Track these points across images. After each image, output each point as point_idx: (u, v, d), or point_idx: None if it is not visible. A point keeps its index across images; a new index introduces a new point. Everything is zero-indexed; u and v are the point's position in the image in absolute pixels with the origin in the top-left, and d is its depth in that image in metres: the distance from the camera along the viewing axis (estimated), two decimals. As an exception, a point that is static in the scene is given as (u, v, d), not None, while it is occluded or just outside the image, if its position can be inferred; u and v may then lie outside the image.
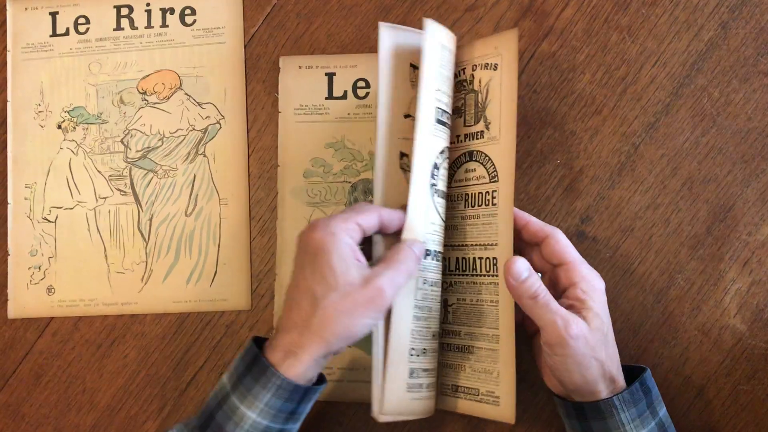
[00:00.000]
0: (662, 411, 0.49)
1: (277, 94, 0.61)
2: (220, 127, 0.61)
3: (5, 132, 0.63)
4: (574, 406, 0.48)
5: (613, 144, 0.58)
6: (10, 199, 0.63)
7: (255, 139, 0.61)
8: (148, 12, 0.62)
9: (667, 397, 0.55)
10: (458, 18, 0.60)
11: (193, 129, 0.61)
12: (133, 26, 0.63)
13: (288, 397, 0.45)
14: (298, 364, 0.45)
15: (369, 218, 0.47)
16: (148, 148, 0.62)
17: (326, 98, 0.60)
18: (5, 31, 0.64)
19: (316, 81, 0.60)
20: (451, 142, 0.57)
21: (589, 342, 0.45)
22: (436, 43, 0.51)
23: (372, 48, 0.61)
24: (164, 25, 0.62)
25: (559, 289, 0.50)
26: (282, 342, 0.46)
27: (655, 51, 0.58)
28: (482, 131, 0.55)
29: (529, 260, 0.48)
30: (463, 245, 0.55)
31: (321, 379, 0.49)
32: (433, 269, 0.51)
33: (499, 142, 0.54)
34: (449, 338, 0.56)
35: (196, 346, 0.60)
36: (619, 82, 0.58)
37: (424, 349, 0.50)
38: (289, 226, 0.60)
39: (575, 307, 0.48)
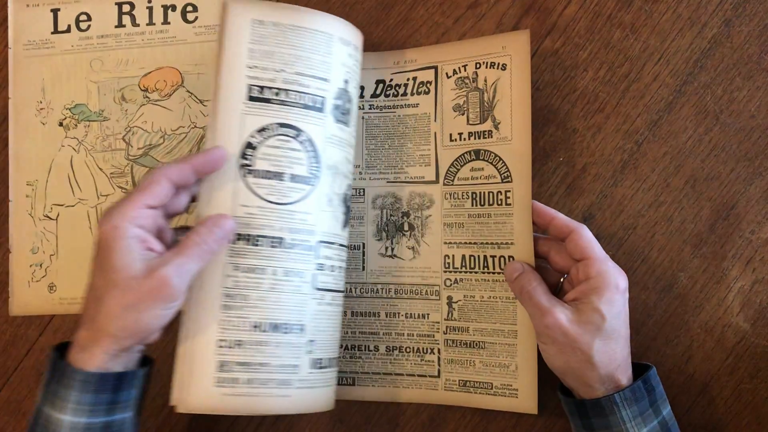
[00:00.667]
0: (666, 410, 0.49)
1: None
2: (222, 125, 0.61)
3: (6, 129, 0.63)
4: (575, 403, 0.49)
5: (615, 142, 0.57)
6: (11, 197, 0.62)
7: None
8: (150, 9, 0.62)
9: (670, 395, 0.55)
10: (461, 15, 0.60)
11: (195, 126, 0.61)
12: (134, 23, 0.62)
13: (97, 388, 0.44)
14: (94, 359, 0.44)
15: (157, 191, 0.45)
16: (149, 145, 0.61)
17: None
18: (6, 29, 0.63)
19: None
20: (453, 140, 0.57)
21: (568, 333, 0.47)
22: (244, 20, 0.49)
23: (374, 46, 0.60)
24: (166, 22, 0.62)
25: (575, 283, 0.50)
26: (77, 339, 0.45)
27: (658, 48, 0.58)
28: (490, 131, 0.55)
29: (554, 256, 0.51)
30: (470, 243, 0.56)
31: (146, 361, 0.48)
32: (248, 255, 0.48)
33: (512, 143, 0.54)
34: (454, 334, 0.56)
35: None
36: (622, 79, 0.58)
37: (239, 341, 0.47)
38: None
39: (578, 300, 0.49)
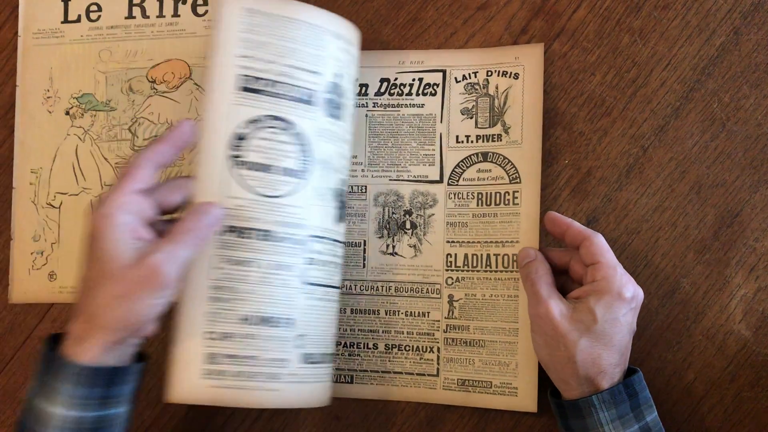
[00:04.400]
0: (650, 416, 0.49)
1: None
2: (229, 118, 0.61)
3: (13, 117, 0.63)
4: (556, 403, 0.50)
5: (621, 146, 0.57)
6: (15, 184, 0.62)
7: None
8: (160, 1, 0.62)
9: (669, 401, 0.55)
10: (470, 16, 0.60)
11: (201, 119, 0.61)
12: (144, 15, 0.63)
13: (91, 382, 0.44)
14: (88, 352, 0.44)
15: (141, 174, 0.45)
16: (155, 136, 0.62)
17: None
18: (17, 16, 0.64)
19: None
20: (459, 141, 0.57)
21: (556, 326, 0.48)
22: (235, 9, 0.49)
23: (383, 44, 0.61)
24: (176, 14, 0.62)
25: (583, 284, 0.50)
26: (71, 331, 0.45)
27: (666, 54, 0.58)
28: (500, 134, 0.56)
29: (574, 265, 0.51)
30: (473, 242, 0.56)
31: (142, 357, 0.48)
32: (237, 247, 0.47)
33: (522, 146, 0.55)
34: (454, 333, 0.55)
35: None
36: (630, 84, 0.58)
37: (227, 333, 0.47)
38: None
39: (578, 299, 0.49)
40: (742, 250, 0.56)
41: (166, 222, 0.49)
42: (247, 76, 0.49)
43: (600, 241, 0.50)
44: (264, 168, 0.48)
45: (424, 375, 0.56)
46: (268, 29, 0.49)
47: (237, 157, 0.48)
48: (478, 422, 0.57)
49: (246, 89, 0.49)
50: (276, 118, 0.49)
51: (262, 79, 0.49)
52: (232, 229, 0.48)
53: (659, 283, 0.56)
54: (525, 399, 0.53)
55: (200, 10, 0.62)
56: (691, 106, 0.57)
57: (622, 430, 0.47)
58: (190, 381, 0.46)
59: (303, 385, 0.49)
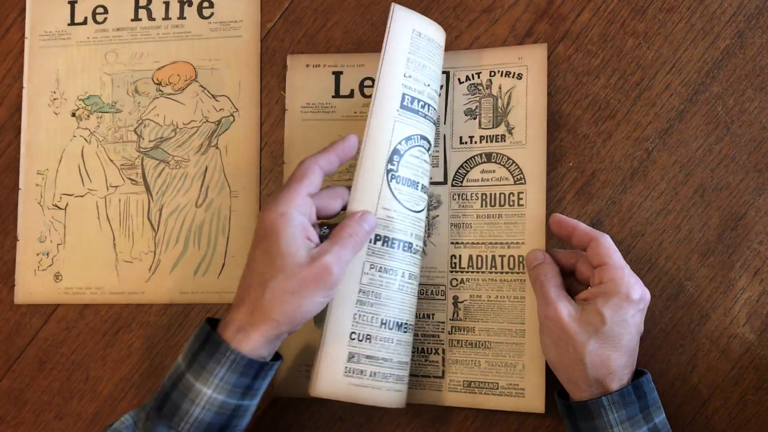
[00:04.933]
0: (659, 418, 0.49)
1: (284, 92, 0.61)
2: (234, 120, 0.61)
3: (20, 118, 0.63)
4: (565, 405, 0.50)
5: (626, 149, 0.58)
6: (21, 185, 0.63)
7: (268, 133, 0.61)
8: (167, 4, 0.63)
9: (673, 404, 0.55)
10: (474, 19, 0.60)
11: (207, 121, 0.61)
12: (150, 17, 0.63)
13: (243, 371, 0.46)
14: (250, 341, 0.46)
15: (313, 179, 0.49)
16: (161, 138, 0.62)
17: (333, 96, 0.60)
18: (23, 19, 0.64)
19: (323, 79, 0.60)
20: (463, 142, 0.57)
21: (565, 328, 0.48)
22: (406, 28, 0.51)
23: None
24: (182, 17, 0.63)
25: (590, 286, 0.51)
26: (234, 319, 0.47)
27: (670, 57, 0.58)
28: (503, 135, 0.56)
29: (581, 266, 0.51)
30: (478, 243, 0.56)
31: (277, 356, 0.49)
32: (383, 255, 0.50)
33: (526, 147, 0.56)
34: (459, 334, 0.56)
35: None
36: (634, 87, 0.58)
37: (368, 335, 0.50)
38: None
39: (586, 300, 0.49)
40: (747, 253, 0.56)
41: (320, 226, 0.52)
42: (408, 95, 0.51)
43: (607, 242, 0.50)
44: (412, 184, 0.52)
45: (429, 377, 0.56)
46: (426, 53, 0.53)
47: (392, 171, 0.50)
48: (482, 424, 0.57)
49: (405, 107, 0.51)
50: (424, 138, 0.52)
51: (418, 99, 0.52)
52: (381, 239, 0.50)
53: (663, 285, 0.56)
54: (532, 400, 0.54)
55: (206, 12, 0.62)
56: (696, 109, 0.57)
57: (632, 431, 0.47)
58: (334, 377, 0.49)
59: (411, 388, 0.54)
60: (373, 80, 0.59)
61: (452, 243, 0.57)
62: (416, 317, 0.57)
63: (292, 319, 0.46)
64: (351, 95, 0.60)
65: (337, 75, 0.60)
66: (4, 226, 0.63)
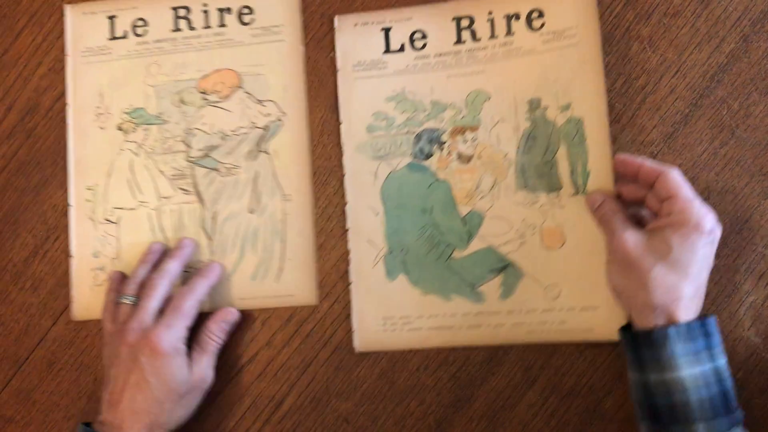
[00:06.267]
0: (721, 361, 0.48)
1: (333, 53, 0.61)
2: (282, 124, 0.61)
3: (66, 135, 0.63)
4: (630, 335, 0.49)
5: (631, 153, 0.57)
6: (72, 202, 0.63)
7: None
8: (206, 12, 0.63)
9: None
10: (515, 10, 0.60)
11: (255, 127, 0.62)
12: (191, 27, 0.63)
13: None
14: None
15: (193, 313, 0.57)
16: (210, 146, 0.62)
17: (384, 53, 0.61)
18: (64, 37, 0.64)
19: (373, 37, 0.61)
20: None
21: (630, 254, 0.49)
22: None
23: None
24: (222, 24, 0.63)
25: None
26: (104, 420, 0.54)
27: (675, 62, 0.58)
28: None
29: (646, 200, 0.52)
30: None
31: None
32: None
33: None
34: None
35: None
36: (639, 91, 0.58)
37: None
38: (357, 182, 0.60)
39: (654, 230, 0.49)
40: (751, 257, 0.56)
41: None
42: None
43: (675, 176, 0.50)
44: None
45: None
46: None
47: None
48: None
49: None
50: None
51: None
52: None
53: None
54: (604, 328, 0.55)
55: (246, 18, 0.63)
56: (701, 113, 0.57)
57: (696, 366, 0.47)
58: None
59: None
60: (423, 33, 0.60)
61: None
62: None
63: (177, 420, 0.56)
64: (402, 49, 0.60)
65: (386, 31, 0.61)
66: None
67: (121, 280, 0.60)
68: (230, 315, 0.59)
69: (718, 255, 0.55)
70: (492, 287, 0.58)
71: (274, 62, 0.62)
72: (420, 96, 0.60)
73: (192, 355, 0.56)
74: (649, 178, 0.51)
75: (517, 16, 0.59)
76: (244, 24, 0.63)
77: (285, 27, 0.62)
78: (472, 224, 0.58)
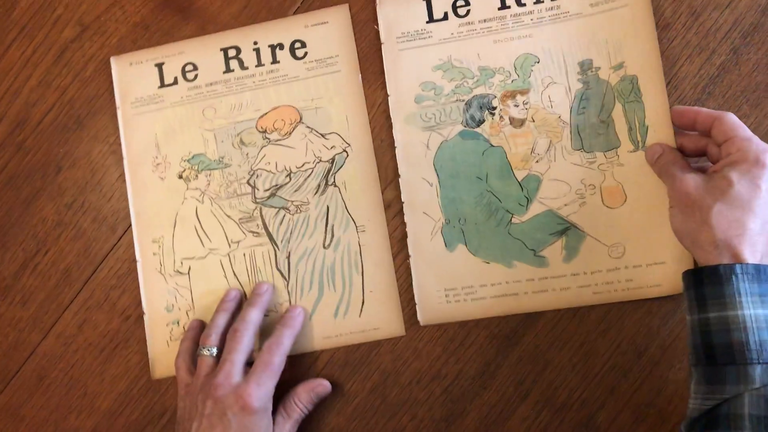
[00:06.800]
0: None
1: (377, 26, 0.60)
2: (347, 155, 0.60)
3: (126, 189, 0.62)
4: (693, 271, 0.48)
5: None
6: (138, 257, 0.61)
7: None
8: (257, 51, 0.62)
9: (671, 421, 0.55)
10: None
11: (320, 161, 0.61)
12: (243, 66, 0.62)
13: None
14: None
15: (281, 366, 0.55)
16: (276, 185, 0.61)
17: (427, 22, 0.60)
18: (113, 90, 0.63)
19: (415, 6, 0.60)
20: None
21: (690, 194, 0.49)
22: None
23: None
24: (275, 61, 0.62)
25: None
26: None
27: (666, 74, 0.57)
28: None
29: (708, 149, 0.52)
30: None
31: None
32: None
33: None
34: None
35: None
36: None
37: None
38: (409, 154, 0.59)
39: (716, 171, 0.49)
40: None
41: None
42: None
43: (731, 119, 0.50)
44: None
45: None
46: None
47: None
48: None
49: None
50: None
51: None
52: None
53: (660, 302, 0.56)
54: (673, 282, 0.55)
55: (299, 53, 0.62)
56: None
57: (761, 307, 0.45)
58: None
59: None
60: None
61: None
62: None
63: None
64: (445, 18, 0.60)
65: (429, 0, 0.60)
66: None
67: (199, 328, 0.58)
68: (322, 388, 0.57)
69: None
70: (554, 251, 0.57)
71: (333, 94, 0.61)
72: (467, 63, 0.59)
73: (276, 419, 0.55)
74: (707, 124, 0.51)
75: None
76: (298, 58, 0.62)
77: (340, 57, 0.61)
78: (530, 188, 0.58)
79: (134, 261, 0.61)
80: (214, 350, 0.55)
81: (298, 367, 0.59)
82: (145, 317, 0.61)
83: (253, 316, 0.56)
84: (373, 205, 0.60)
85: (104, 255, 0.62)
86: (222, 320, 0.57)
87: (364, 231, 0.60)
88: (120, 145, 0.62)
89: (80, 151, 0.63)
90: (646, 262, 0.56)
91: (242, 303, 0.59)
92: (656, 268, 0.56)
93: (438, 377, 0.58)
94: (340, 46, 0.61)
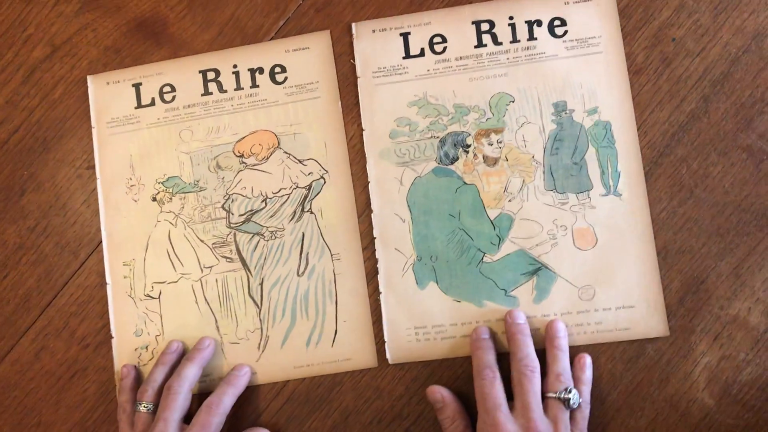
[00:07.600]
0: None
1: (353, 60, 0.60)
2: (325, 182, 0.60)
3: (90, 214, 0.61)
4: None
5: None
6: (108, 279, 0.60)
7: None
8: (236, 74, 0.61)
9: None
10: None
11: (297, 186, 0.60)
12: (221, 89, 0.61)
13: None
14: None
15: (220, 426, 0.54)
16: (251, 211, 0.60)
17: (404, 58, 0.60)
18: (81, 112, 0.62)
19: (392, 42, 0.60)
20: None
21: None
22: None
23: (447, 2, 0.60)
24: (254, 85, 0.61)
25: None
26: None
27: (637, 119, 0.58)
28: None
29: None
30: None
31: None
32: None
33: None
34: None
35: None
36: None
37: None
38: (382, 189, 0.59)
39: None
40: (708, 318, 0.56)
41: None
42: None
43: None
44: None
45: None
46: None
47: None
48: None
49: None
50: None
51: None
52: None
53: (624, 348, 0.56)
54: (642, 326, 0.55)
55: (279, 77, 0.61)
56: (660, 171, 0.58)
57: None
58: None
59: None
60: (442, 36, 0.60)
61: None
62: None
63: None
64: (422, 54, 0.60)
65: (405, 36, 0.60)
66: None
67: (135, 378, 0.57)
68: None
69: (675, 314, 0.56)
70: (525, 291, 0.57)
71: (312, 119, 0.60)
72: (442, 100, 0.59)
73: None
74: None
75: (539, 23, 0.59)
76: (278, 83, 0.61)
77: (320, 83, 0.61)
78: (502, 227, 0.58)
79: (96, 287, 0.60)
80: (151, 406, 0.55)
81: (257, 401, 0.58)
82: (113, 341, 0.59)
83: (190, 373, 0.55)
84: (349, 233, 0.59)
85: (65, 281, 0.61)
86: (160, 375, 0.56)
87: (339, 259, 0.59)
88: (89, 167, 0.61)
89: (45, 174, 0.62)
90: (615, 305, 0.56)
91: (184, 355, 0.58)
92: (625, 311, 0.56)
93: (399, 417, 0.57)
94: (321, 72, 0.61)
